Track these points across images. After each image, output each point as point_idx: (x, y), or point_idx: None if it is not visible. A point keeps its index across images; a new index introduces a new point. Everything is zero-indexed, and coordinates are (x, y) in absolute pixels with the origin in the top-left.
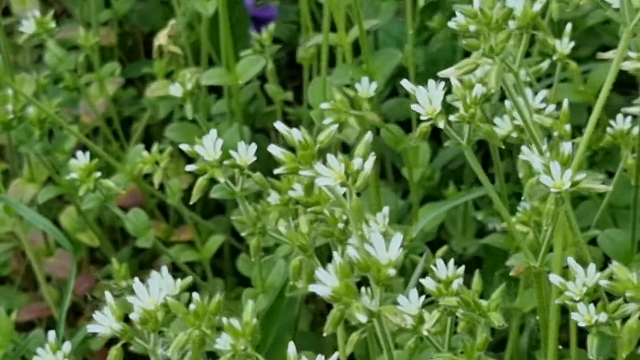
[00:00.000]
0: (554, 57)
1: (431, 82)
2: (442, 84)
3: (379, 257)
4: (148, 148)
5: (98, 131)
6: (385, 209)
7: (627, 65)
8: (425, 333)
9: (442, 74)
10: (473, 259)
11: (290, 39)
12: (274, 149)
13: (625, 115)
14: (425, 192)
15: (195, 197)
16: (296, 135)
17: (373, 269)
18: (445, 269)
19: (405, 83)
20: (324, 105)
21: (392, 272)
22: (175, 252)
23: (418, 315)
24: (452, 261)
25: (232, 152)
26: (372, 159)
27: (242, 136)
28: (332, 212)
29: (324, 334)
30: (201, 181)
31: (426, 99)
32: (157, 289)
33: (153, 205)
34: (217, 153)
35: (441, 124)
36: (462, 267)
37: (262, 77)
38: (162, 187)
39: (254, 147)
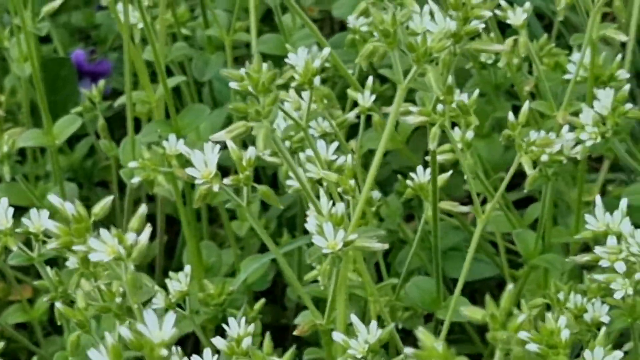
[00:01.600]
0: (357, 111)
1: (207, 146)
2: (217, 147)
3: (152, 336)
4: None
5: None
6: (187, 268)
7: (411, 120)
8: None
9: (213, 137)
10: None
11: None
12: (48, 223)
13: (426, 166)
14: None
15: None
16: (69, 208)
17: (146, 349)
18: (237, 327)
19: (181, 146)
20: (132, 164)
21: (164, 352)
22: (10, 313)
23: None
24: (243, 319)
25: (24, 220)
26: (147, 230)
27: (64, 195)
28: (110, 285)
29: None
30: None
31: (202, 162)
32: None
33: None
34: (8, 221)
35: (216, 187)
36: (253, 326)
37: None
38: None
39: (46, 213)
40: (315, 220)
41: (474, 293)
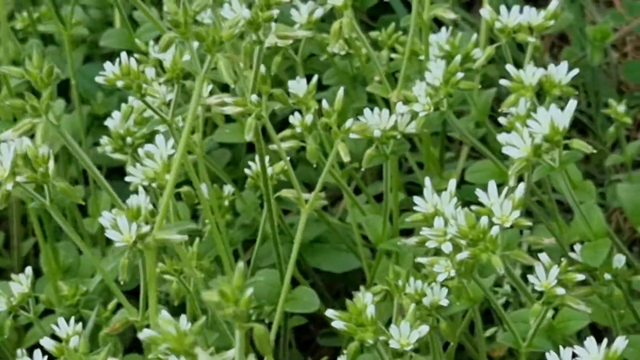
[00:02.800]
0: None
1: (2, 145)
2: (13, 145)
3: None
4: None
5: None
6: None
7: (228, 110)
8: None
9: (1, 136)
10: None
11: None
12: None
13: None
14: None
15: None
16: None
17: None
18: (66, 327)
19: None
20: None
21: None
22: None
23: None
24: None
25: None
26: None
27: None
28: None
29: None
30: None
31: None
32: None
33: None
34: None
35: (9, 186)
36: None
37: None
38: None
39: None
40: (109, 214)
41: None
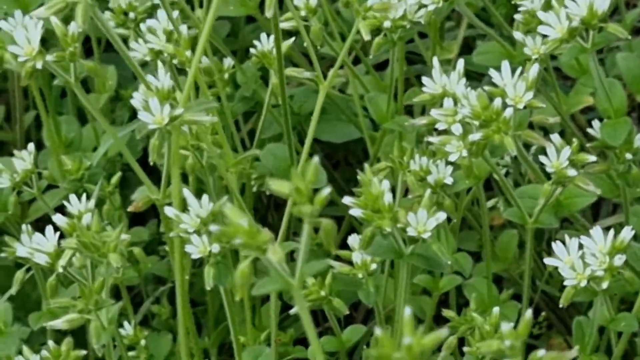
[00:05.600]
0: None
1: (29, 22)
2: (40, 23)
3: None
4: None
5: None
6: (30, 146)
7: None
8: (60, 269)
9: (33, 14)
10: None
11: None
12: None
13: None
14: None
15: None
16: None
17: None
18: (78, 204)
19: (3, 24)
20: None
21: None
22: None
23: (54, 252)
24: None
25: None
26: None
27: None
28: None
29: None
30: None
31: (25, 40)
32: None
33: None
34: None
35: (39, 64)
36: (93, 202)
37: None
38: None
39: None
40: (141, 95)
41: (346, 158)
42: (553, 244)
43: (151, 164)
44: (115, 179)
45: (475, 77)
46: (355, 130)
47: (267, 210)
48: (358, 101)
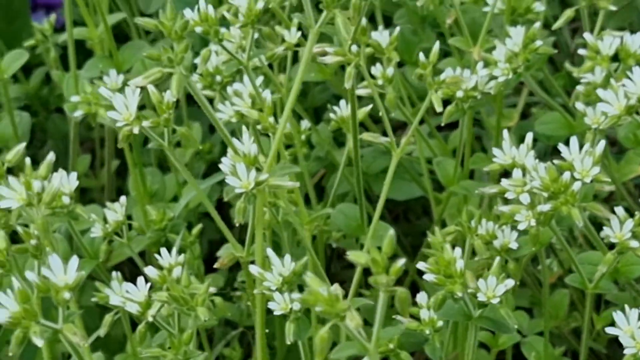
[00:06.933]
0: (283, 47)
1: (128, 90)
2: (138, 90)
3: (57, 280)
4: None
5: None
6: (123, 199)
7: (328, 60)
8: (150, 318)
9: (131, 83)
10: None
11: None
12: None
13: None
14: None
15: None
16: None
17: (52, 292)
18: (168, 257)
19: (103, 91)
20: (75, 98)
21: (66, 295)
22: None
23: (145, 301)
24: (174, 249)
25: None
26: (58, 176)
27: (15, 125)
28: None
29: None
30: None
31: (123, 105)
32: None
33: None
34: None
35: (136, 130)
36: (183, 256)
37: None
38: None
39: None
40: (229, 160)
41: (405, 213)
42: (614, 313)
43: (236, 225)
44: (196, 230)
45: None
46: (418, 189)
47: (331, 260)
48: (424, 163)
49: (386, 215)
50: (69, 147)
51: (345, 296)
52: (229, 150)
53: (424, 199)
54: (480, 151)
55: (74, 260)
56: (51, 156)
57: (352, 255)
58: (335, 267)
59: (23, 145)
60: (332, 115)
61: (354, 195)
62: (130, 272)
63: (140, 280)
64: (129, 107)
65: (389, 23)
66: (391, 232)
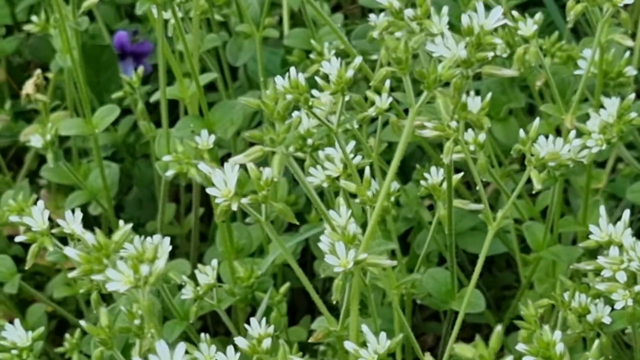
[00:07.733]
0: (374, 111)
1: (227, 166)
2: (237, 167)
3: None
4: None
5: None
6: (214, 262)
7: (426, 134)
8: None
9: (232, 160)
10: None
11: None
12: (70, 252)
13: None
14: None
15: (29, 263)
16: (89, 239)
17: None
18: (258, 327)
19: (202, 166)
20: (166, 158)
21: None
22: (55, 285)
23: None
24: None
25: (60, 221)
26: (163, 258)
27: (104, 178)
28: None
29: None
30: (33, 249)
31: (222, 182)
32: None
33: None
34: (44, 223)
35: (235, 206)
36: (272, 327)
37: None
38: None
39: (79, 214)
40: (328, 239)
41: (489, 265)
42: None
43: (334, 303)
44: (284, 288)
45: None
46: (501, 245)
47: (414, 313)
48: (512, 223)
49: (467, 267)
50: (154, 193)
51: (430, 350)
52: (326, 225)
53: (507, 253)
54: (567, 207)
55: (181, 347)
56: (158, 239)
57: (458, 349)
58: (417, 319)
59: (129, 226)
60: (422, 182)
61: (439, 252)
62: (213, 320)
63: (230, 349)
64: (227, 184)
65: (477, 77)
66: (498, 328)
